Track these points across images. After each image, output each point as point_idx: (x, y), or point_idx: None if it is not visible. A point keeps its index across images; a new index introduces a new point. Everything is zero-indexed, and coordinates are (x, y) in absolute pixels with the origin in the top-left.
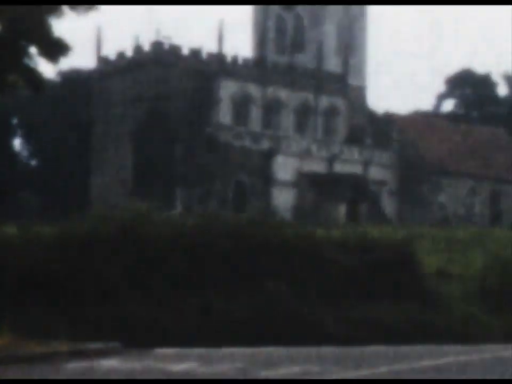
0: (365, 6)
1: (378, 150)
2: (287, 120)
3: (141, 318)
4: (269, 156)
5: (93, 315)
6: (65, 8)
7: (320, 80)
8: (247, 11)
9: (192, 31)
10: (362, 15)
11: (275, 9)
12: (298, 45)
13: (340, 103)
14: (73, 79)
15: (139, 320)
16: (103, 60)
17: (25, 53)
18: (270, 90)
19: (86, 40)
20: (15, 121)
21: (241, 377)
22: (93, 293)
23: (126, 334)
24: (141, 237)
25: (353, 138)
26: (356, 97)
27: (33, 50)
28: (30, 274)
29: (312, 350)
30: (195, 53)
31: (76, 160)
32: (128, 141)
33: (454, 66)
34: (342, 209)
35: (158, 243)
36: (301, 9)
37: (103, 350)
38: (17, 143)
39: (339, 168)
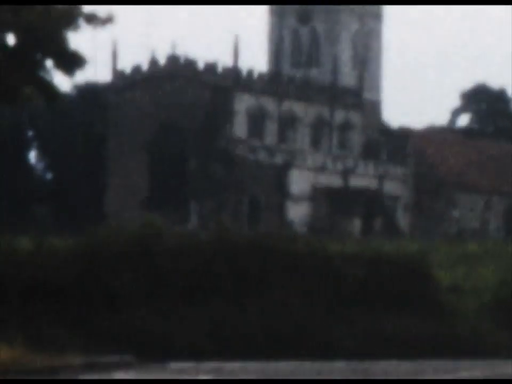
0: (380, 20)
1: (393, 164)
2: (302, 134)
3: (153, 331)
4: (284, 169)
5: (105, 328)
6: (82, 21)
7: (335, 95)
8: (263, 25)
9: (208, 44)
10: (378, 29)
11: (291, 23)
12: (313, 59)
13: (355, 117)
14: (88, 92)
15: (151, 332)
16: (118, 74)
17: (41, 66)
18: (286, 104)
19: (102, 53)
20: (30, 133)
21: None
22: (105, 305)
23: (138, 346)
24: (155, 250)
25: (368, 152)
26: (371, 111)
27: (49, 63)
28: (43, 287)
29: (324, 365)
30: (210, 67)
31: (90, 173)
32: (143, 155)
33: (469, 80)
34: (356, 224)
35: (171, 256)
36: (317, 23)
37: (117, 363)
38: (32, 155)
39: (354, 182)
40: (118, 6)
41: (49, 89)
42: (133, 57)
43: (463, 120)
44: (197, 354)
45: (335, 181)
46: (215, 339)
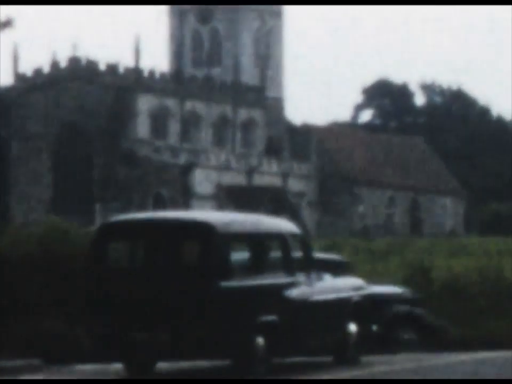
0: (280, 18)
1: (297, 161)
2: (206, 134)
3: (60, 334)
4: (187, 169)
5: (11, 332)
6: None
7: (237, 93)
8: (163, 25)
9: (109, 45)
10: (278, 27)
11: (191, 22)
12: (215, 58)
13: (257, 115)
14: None
15: (58, 336)
16: (20, 77)
17: None
18: (188, 104)
19: (3, 57)
20: None
21: None
22: (11, 310)
23: (41, 350)
24: (58, 253)
25: (272, 150)
26: (274, 109)
27: None
28: None
29: None
30: (112, 68)
31: None
32: (47, 157)
33: (371, 76)
34: None
35: (74, 259)
36: (217, 22)
37: (24, 367)
38: None
39: (258, 180)
40: (17, 9)
41: None
42: (34, 60)
43: (366, 115)
44: (103, 356)
45: (239, 179)
46: None
